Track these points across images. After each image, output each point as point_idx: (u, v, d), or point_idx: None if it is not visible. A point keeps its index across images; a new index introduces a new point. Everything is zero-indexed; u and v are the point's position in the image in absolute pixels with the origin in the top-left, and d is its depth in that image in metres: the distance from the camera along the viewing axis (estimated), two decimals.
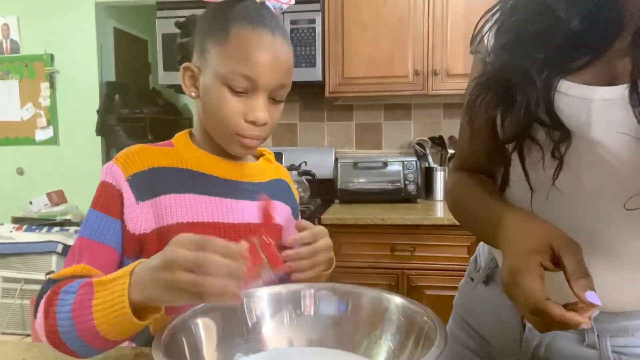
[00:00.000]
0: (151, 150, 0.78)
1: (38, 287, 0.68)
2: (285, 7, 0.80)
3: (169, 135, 0.84)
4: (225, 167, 0.81)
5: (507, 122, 0.61)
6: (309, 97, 2.78)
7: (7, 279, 2.75)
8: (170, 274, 0.52)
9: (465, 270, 0.90)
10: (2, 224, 2.87)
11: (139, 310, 0.57)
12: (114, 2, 3.31)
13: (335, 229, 2.03)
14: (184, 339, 0.57)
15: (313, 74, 2.39)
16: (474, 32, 0.71)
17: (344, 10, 2.39)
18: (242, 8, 0.74)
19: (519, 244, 0.55)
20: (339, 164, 2.54)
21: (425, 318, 0.58)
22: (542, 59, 0.59)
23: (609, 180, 0.58)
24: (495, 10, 0.67)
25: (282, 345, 0.65)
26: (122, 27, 3.57)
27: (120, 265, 0.72)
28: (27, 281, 2.69)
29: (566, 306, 0.52)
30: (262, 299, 0.67)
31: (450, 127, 2.67)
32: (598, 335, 0.66)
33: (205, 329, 0.61)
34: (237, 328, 0.64)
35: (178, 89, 2.54)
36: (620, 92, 0.54)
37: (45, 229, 2.78)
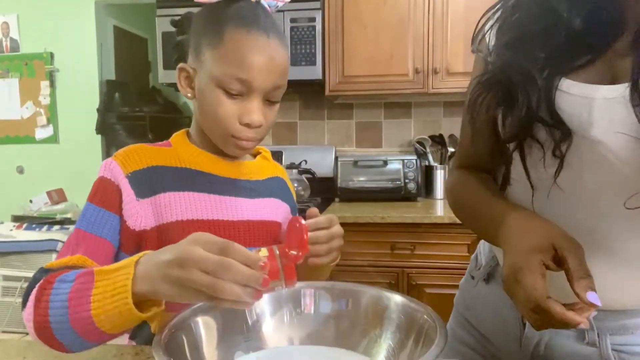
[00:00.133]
0: (149, 150, 0.79)
1: None
2: (280, 4, 0.79)
3: (169, 134, 0.84)
4: (222, 166, 0.82)
5: (508, 121, 0.61)
6: (309, 95, 2.78)
7: (7, 278, 2.75)
8: (185, 272, 0.51)
9: (465, 269, 0.90)
10: (2, 223, 2.87)
11: (139, 303, 0.55)
12: (114, 1, 3.31)
13: None
14: (184, 338, 0.57)
15: (313, 73, 2.39)
16: (475, 31, 0.71)
17: (344, 9, 2.39)
18: (236, 9, 0.73)
19: (521, 242, 0.55)
20: (339, 163, 2.54)
21: (425, 316, 0.58)
22: (544, 58, 0.58)
23: (609, 179, 0.58)
24: (496, 8, 0.67)
25: (282, 343, 0.65)
26: (122, 25, 3.56)
27: (116, 259, 0.72)
28: (28, 280, 2.67)
29: (565, 306, 0.52)
30: (262, 297, 0.67)
31: (451, 126, 2.67)
32: (598, 334, 0.66)
33: (205, 328, 0.61)
34: (237, 326, 0.64)
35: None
36: (621, 90, 0.54)
37: (45, 227, 2.79)
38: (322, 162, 2.65)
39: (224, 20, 0.73)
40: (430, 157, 2.60)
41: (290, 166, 2.44)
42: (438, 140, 2.63)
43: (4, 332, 2.75)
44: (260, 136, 0.77)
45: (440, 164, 2.57)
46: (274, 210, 0.87)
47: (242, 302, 0.52)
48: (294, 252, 0.59)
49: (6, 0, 3.24)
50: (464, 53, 2.31)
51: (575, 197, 0.62)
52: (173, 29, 0.84)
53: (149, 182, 0.75)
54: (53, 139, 3.28)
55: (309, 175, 2.48)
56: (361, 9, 2.38)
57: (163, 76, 2.45)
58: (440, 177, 2.54)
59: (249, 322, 0.65)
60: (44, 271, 0.64)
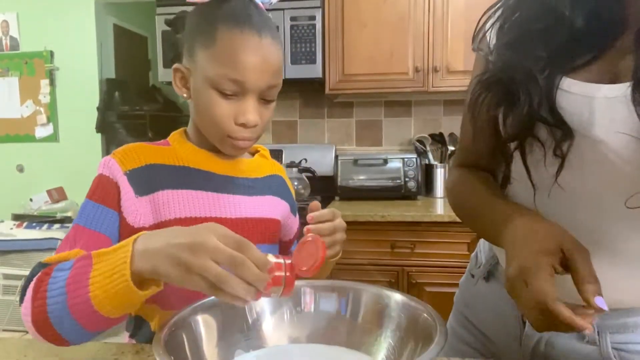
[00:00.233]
0: (148, 148, 0.79)
1: None
2: (274, 1, 0.79)
3: (169, 133, 0.84)
4: (220, 164, 0.82)
5: (509, 120, 0.61)
6: (309, 94, 2.78)
7: (7, 276, 2.75)
8: (196, 258, 0.51)
9: (465, 267, 0.90)
10: (2, 221, 2.87)
11: (138, 283, 0.55)
12: None
13: None
14: (184, 336, 0.58)
15: (313, 71, 2.38)
16: (475, 30, 0.71)
17: (344, 7, 2.39)
18: (228, 8, 0.73)
19: (528, 244, 0.55)
20: (339, 161, 2.53)
21: (425, 315, 0.58)
22: (545, 57, 0.58)
23: (611, 178, 0.58)
24: (497, 7, 0.67)
25: (282, 342, 0.65)
26: (121, 23, 3.56)
27: None
28: None
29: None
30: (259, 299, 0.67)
31: (451, 124, 2.67)
32: (598, 332, 0.66)
33: (205, 326, 0.61)
34: (237, 325, 0.64)
35: None
36: (623, 90, 0.54)
37: (45, 226, 2.79)
38: (322, 161, 2.65)
39: (216, 20, 0.72)
40: (430, 156, 2.60)
41: (291, 165, 2.44)
42: (438, 139, 2.63)
43: (4, 330, 2.75)
44: (256, 135, 0.78)
45: (441, 162, 2.57)
46: (273, 207, 0.87)
47: (241, 299, 0.52)
48: (304, 268, 0.60)
49: None
50: (464, 51, 2.31)
51: (576, 196, 0.62)
52: None
53: (147, 180, 0.75)
54: (53, 138, 3.28)
55: (309, 174, 2.48)
56: (361, 8, 2.38)
57: (163, 75, 2.45)
58: (440, 175, 2.54)
59: (249, 320, 0.65)
60: (41, 265, 0.63)
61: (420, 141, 2.64)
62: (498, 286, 0.78)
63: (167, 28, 0.83)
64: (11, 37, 3.27)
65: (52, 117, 3.27)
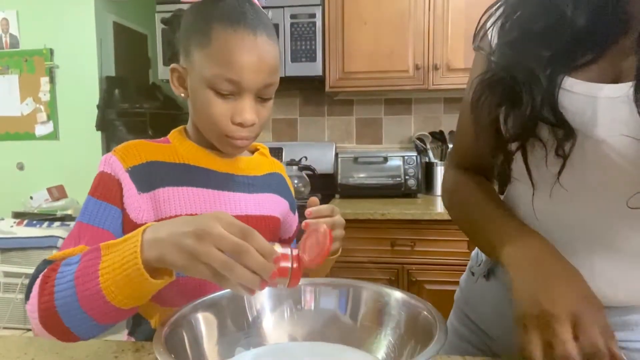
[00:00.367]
0: (148, 145, 0.79)
1: None
2: None
3: (169, 130, 0.85)
4: (220, 161, 0.82)
5: (512, 120, 0.61)
6: (309, 91, 2.78)
7: (8, 274, 2.75)
8: (202, 245, 0.51)
9: (465, 265, 0.90)
10: (2, 219, 2.88)
11: (148, 272, 0.55)
12: None
13: None
14: (184, 334, 0.58)
15: (313, 69, 2.38)
16: (476, 28, 0.70)
17: (344, 5, 2.38)
18: (223, 7, 0.73)
19: (553, 290, 0.54)
20: (339, 159, 2.53)
21: (425, 312, 0.58)
22: (548, 57, 0.58)
23: (612, 178, 0.58)
24: (498, 5, 0.67)
25: (282, 339, 0.65)
26: (121, 21, 3.55)
27: None
28: (28, 276, 2.68)
29: None
30: (262, 293, 0.67)
31: (451, 122, 2.67)
32: None
33: (205, 324, 0.61)
34: (237, 322, 0.64)
35: None
36: (626, 90, 0.53)
37: (46, 223, 2.79)
38: (322, 159, 2.65)
39: (210, 20, 0.72)
40: (430, 154, 2.60)
41: (291, 163, 2.44)
42: (438, 137, 2.63)
43: (5, 328, 2.75)
44: (254, 134, 0.77)
45: (441, 160, 2.57)
46: (273, 205, 0.87)
47: (246, 288, 0.53)
48: (307, 259, 0.60)
49: None
50: (465, 49, 2.31)
51: (577, 195, 0.62)
52: None
53: (148, 177, 0.75)
54: (53, 136, 3.28)
55: (309, 172, 2.48)
56: (361, 5, 2.37)
57: (163, 72, 2.45)
58: (440, 173, 2.54)
59: (250, 318, 0.66)
60: (46, 262, 0.64)
61: (420, 139, 2.64)
62: (498, 284, 0.78)
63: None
64: (11, 35, 3.26)
65: (52, 115, 3.27)
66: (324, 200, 2.44)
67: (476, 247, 0.88)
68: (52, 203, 3.12)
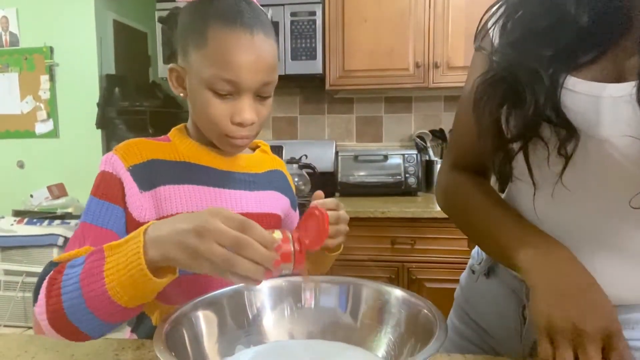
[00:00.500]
0: (149, 144, 0.79)
1: None
2: None
3: (169, 128, 0.84)
4: (221, 159, 0.82)
5: (514, 120, 0.61)
6: (309, 90, 2.78)
7: (8, 272, 2.76)
8: (202, 242, 0.52)
9: (465, 263, 0.90)
10: (3, 217, 2.88)
11: (153, 271, 0.56)
12: None
13: None
14: (184, 331, 0.58)
15: (313, 67, 2.38)
16: (477, 27, 0.70)
17: (344, 3, 2.38)
18: (219, 5, 0.72)
19: (584, 305, 0.55)
20: (339, 157, 2.53)
21: (425, 310, 0.58)
22: (550, 56, 0.58)
23: (615, 178, 0.58)
24: (499, 4, 0.67)
25: (282, 337, 0.65)
26: (121, 19, 3.55)
27: None
28: (29, 274, 2.70)
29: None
30: (262, 291, 0.67)
31: (451, 120, 2.65)
32: None
33: (206, 322, 0.61)
34: (238, 320, 0.64)
35: None
36: (629, 89, 0.53)
37: (46, 222, 2.79)
38: (322, 157, 2.65)
39: (206, 19, 0.72)
40: (430, 152, 2.60)
41: (291, 161, 2.44)
42: (438, 135, 2.63)
43: (5, 326, 2.76)
44: (254, 133, 0.77)
45: (441, 158, 2.57)
46: (274, 202, 0.87)
47: (253, 280, 0.54)
48: (307, 241, 0.61)
49: None
50: (465, 47, 2.30)
51: (579, 195, 0.62)
52: None
53: (149, 175, 0.75)
54: (53, 134, 3.28)
55: (310, 170, 2.48)
56: (361, 3, 2.37)
57: (163, 70, 2.45)
58: None
59: (250, 316, 0.66)
60: (52, 264, 0.64)
61: (420, 137, 2.64)
62: (499, 282, 0.78)
63: None
64: (11, 33, 3.26)
65: (52, 113, 3.27)
66: (325, 198, 2.43)
67: (476, 246, 0.88)
68: (53, 201, 3.13)
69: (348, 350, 0.63)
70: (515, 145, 0.63)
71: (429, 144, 2.61)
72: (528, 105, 0.57)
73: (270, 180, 0.88)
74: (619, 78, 0.56)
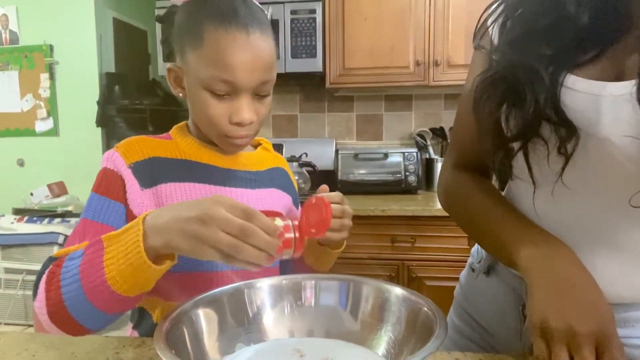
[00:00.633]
0: (150, 141, 0.79)
1: None
2: None
3: (170, 126, 0.84)
4: (222, 157, 0.82)
5: (514, 119, 0.60)
6: (309, 88, 2.78)
7: (8, 270, 2.76)
8: (207, 230, 0.53)
9: (465, 261, 0.90)
10: (3, 216, 2.88)
11: (153, 260, 0.56)
12: None
13: None
14: (185, 330, 0.58)
15: (313, 65, 2.38)
16: (477, 26, 0.70)
17: (344, 1, 2.37)
18: (213, 4, 0.72)
19: (581, 306, 0.55)
20: (339, 155, 2.53)
21: (425, 309, 0.58)
22: (550, 55, 0.58)
23: (615, 176, 0.58)
24: (498, 3, 0.66)
25: (282, 335, 0.66)
26: (121, 17, 3.54)
27: None
28: (29, 272, 2.70)
29: None
30: (262, 289, 0.68)
31: (451, 118, 2.65)
32: None
33: (206, 320, 0.61)
34: (238, 318, 0.64)
35: None
36: (629, 88, 0.53)
37: (46, 220, 2.79)
38: (322, 155, 2.65)
39: (201, 19, 0.71)
40: (431, 150, 2.60)
41: (291, 159, 2.44)
42: (439, 133, 2.63)
43: (6, 324, 2.76)
44: (253, 132, 0.77)
45: (441, 156, 2.57)
46: (275, 200, 0.87)
47: (256, 266, 0.56)
48: (313, 230, 0.65)
49: None
50: (465, 45, 2.30)
51: (579, 193, 0.61)
52: None
53: (150, 172, 0.76)
54: (53, 132, 3.27)
55: (310, 168, 2.48)
56: (362, 1, 2.37)
57: (163, 68, 2.45)
58: None
59: (250, 314, 0.66)
60: (52, 259, 0.64)
61: (420, 135, 2.64)
62: (498, 281, 0.78)
63: None
64: (10, 31, 3.26)
65: (52, 111, 3.26)
66: None
67: (476, 244, 0.88)
68: (53, 199, 3.13)
69: (348, 348, 0.63)
70: (515, 144, 0.62)
71: (429, 142, 2.61)
72: (528, 104, 0.57)
73: (271, 178, 0.88)
74: (619, 77, 0.55)
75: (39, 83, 3.25)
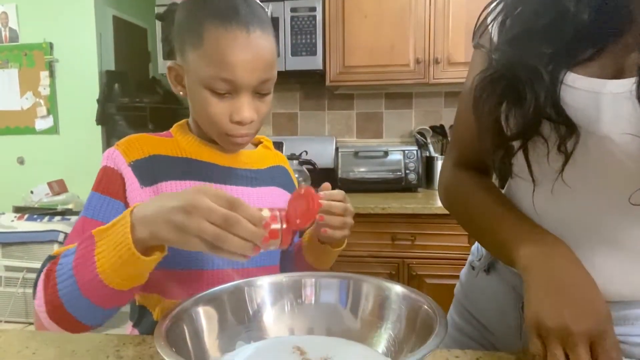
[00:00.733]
0: (151, 139, 0.79)
1: None
2: None
3: (170, 124, 0.84)
4: (223, 155, 0.82)
5: (514, 118, 0.60)
6: (309, 86, 2.77)
7: (9, 268, 2.76)
8: (192, 220, 0.53)
9: (465, 259, 0.90)
10: (3, 214, 2.88)
11: (142, 251, 0.56)
12: None
13: None
14: (185, 327, 0.58)
15: (313, 63, 2.38)
16: (476, 25, 0.70)
17: None
18: (213, 3, 0.72)
19: (578, 305, 0.55)
20: (339, 153, 2.53)
21: (425, 306, 0.59)
22: (550, 53, 0.58)
23: (614, 174, 0.58)
24: (498, 1, 0.66)
25: (283, 333, 0.66)
26: (121, 15, 3.54)
27: None
28: (29, 270, 2.71)
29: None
30: (263, 287, 0.68)
31: (452, 116, 2.65)
32: None
33: (206, 317, 0.61)
34: (238, 316, 0.64)
35: None
36: (629, 85, 0.53)
37: (46, 218, 2.79)
38: (322, 153, 2.65)
39: (202, 18, 0.71)
40: (431, 148, 2.60)
41: (291, 157, 2.44)
42: (439, 131, 2.63)
43: (6, 322, 2.76)
44: (254, 130, 0.77)
45: (441, 154, 2.57)
46: (276, 198, 0.87)
47: (241, 256, 0.55)
48: (298, 221, 0.63)
49: None
50: (466, 43, 2.30)
51: (579, 191, 0.61)
52: None
53: (151, 170, 0.76)
54: (53, 130, 3.27)
55: (310, 166, 2.48)
56: None
57: (163, 66, 2.44)
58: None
59: (250, 312, 0.66)
60: (50, 258, 0.65)
61: (421, 133, 2.63)
62: (498, 279, 0.78)
63: None
64: (10, 29, 3.25)
65: (52, 109, 3.26)
66: None
67: (476, 242, 0.88)
68: (53, 197, 3.13)
69: (348, 346, 0.63)
70: (515, 143, 0.62)
71: (429, 140, 2.61)
72: (528, 103, 0.57)
73: (272, 176, 0.88)
74: (619, 74, 0.55)
75: (39, 81, 3.25)
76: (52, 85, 3.24)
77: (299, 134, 2.83)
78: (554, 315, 0.54)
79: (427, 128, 2.63)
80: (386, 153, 2.50)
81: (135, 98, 3.26)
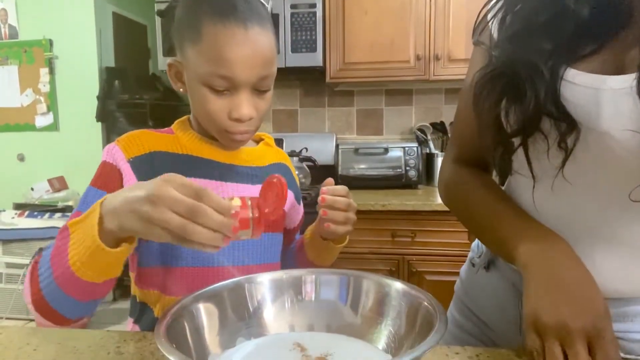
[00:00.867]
0: (151, 135, 0.79)
1: None
2: None
3: (170, 121, 0.84)
4: (223, 152, 0.82)
5: (515, 115, 0.60)
6: (309, 82, 2.77)
7: (10, 265, 2.77)
8: (156, 210, 0.51)
9: (465, 256, 0.90)
10: (4, 211, 2.88)
11: (112, 243, 0.55)
12: None
13: None
14: (186, 324, 0.58)
15: (314, 59, 2.37)
16: (476, 22, 0.70)
17: None
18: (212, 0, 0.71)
19: (576, 302, 0.55)
20: (339, 150, 2.53)
21: (425, 303, 0.59)
22: (550, 50, 0.57)
23: (615, 171, 0.58)
24: None
25: (283, 330, 0.66)
26: (121, 11, 3.53)
27: None
28: None
29: None
30: (263, 284, 0.68)
31: (452, 113, 2.65)
32: None
33: (207, 314, 0.61)
34: (238, 313, 0.64)
35: None
36: (629, 81, 0.53)
37: (47, 215, 2.80)
38: (322, 150, 2.65)
39: (200, 14, 0.71)
40: (431, 145, 2.60)
41: (291, 154, 2.44)
42: (439, 128, 2.62)
43: (7, 318, 2.77)
44: (254, 127, 0.77)
45: (442, 151, 2.57)
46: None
47: (210, 247, 0.53)
48: (266, 210, 0.61)
49: None
50: (466, 40, 2.29)
51: (579, 188, 0.61)
52: None
53: (151, 167, 0.75)
54: (53, 127, 3.27)
55: (310, 163, 2.48)
56: None
57: (163, 63, 2.44)
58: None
59: (250, 308, 0.66)
60: (40, 251, 0.65)
61: (421, 130, 2.63)
62: (498, 275, 0.78)
63: None
64: (10, 26, 3.25)
65: (52, 106, 3.26)
66: None
67: (476, 239, 0.88)
68: (53, 194, 3.13)
69: (348, 343, 0.63)
70: (516, 139, 0.62)
71: (429, 137, 2.61)
72: (528, 99, 0.57)
73: (273, 174, 0.88)
74: (619, 70, 0.55)
75: (39, 78, 3.24)
76: (52, 82, 3.24)
77: (299, 131, 2.83)
78: (552, 312, 0.54)
79: (428, 125, 2.63)
80: (386, 150, 2.50)
81: (135, 95, 3.26)
